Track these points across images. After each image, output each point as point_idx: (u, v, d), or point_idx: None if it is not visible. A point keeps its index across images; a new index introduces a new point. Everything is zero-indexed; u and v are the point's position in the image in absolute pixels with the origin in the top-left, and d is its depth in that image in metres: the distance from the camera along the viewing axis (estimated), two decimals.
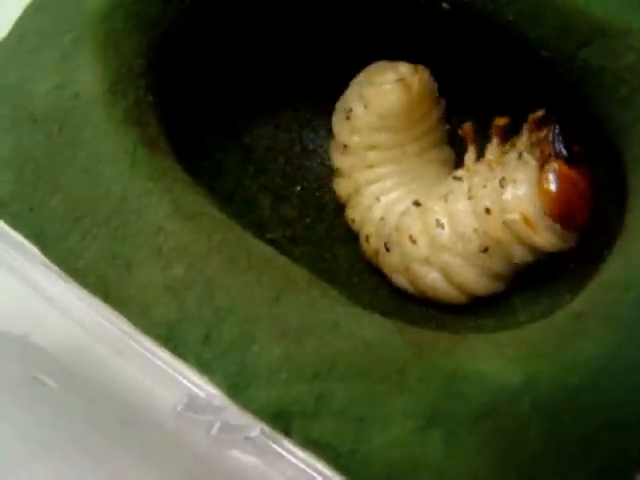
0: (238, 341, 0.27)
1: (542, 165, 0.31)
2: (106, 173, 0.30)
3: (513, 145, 0.33)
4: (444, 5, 0.32)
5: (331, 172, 0.41)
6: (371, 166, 0.37)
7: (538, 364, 0.25)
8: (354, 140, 0.38)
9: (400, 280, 0.36)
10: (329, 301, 0.28)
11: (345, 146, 0.38)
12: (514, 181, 0.32)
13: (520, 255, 0.33)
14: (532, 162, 0.32)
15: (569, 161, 0.30)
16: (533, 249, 0.32)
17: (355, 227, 0.39)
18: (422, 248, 0.34)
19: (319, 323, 0.27)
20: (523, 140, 0.33)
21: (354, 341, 0.27)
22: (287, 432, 0.27)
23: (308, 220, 0.41)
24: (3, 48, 0.34)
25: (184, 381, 0.35)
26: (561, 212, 0.31)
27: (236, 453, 0.36)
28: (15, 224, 0.31)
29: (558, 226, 0.31)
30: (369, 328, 0.27)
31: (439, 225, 0.34)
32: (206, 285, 0.28)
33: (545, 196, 0.31)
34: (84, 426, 0.35)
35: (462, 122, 0.36)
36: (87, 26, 0.32)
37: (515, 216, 0.31)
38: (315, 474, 0.33)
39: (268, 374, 0.27)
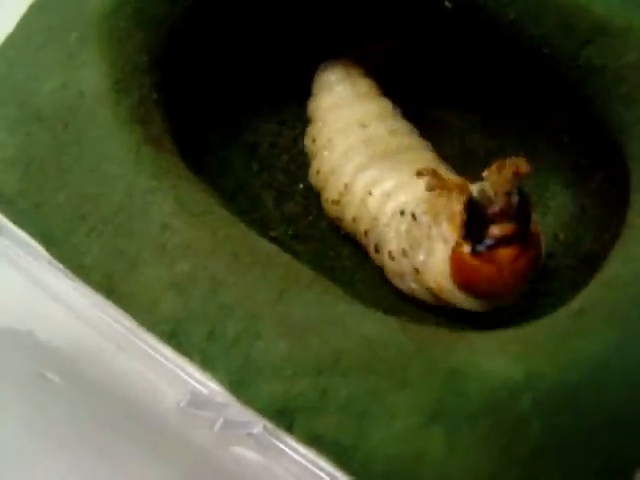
0: (242, 337, 0.27)
1: (455, 244, 0.31)
2: (111, 171, 0.30)
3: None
4: (446, 4, 0.32)
5: None
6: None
7: (539, 361, 0.26)
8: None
9: (396, 282, 0.36)
10: (332, 298, 0.28)
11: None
12: (432, 250, 0.32)
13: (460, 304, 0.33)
14: (451, 236, 0.31)
15: (474, 249, 0.30)
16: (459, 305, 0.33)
17: (352, 226, 0.39)
18: (397, 266, 0.35)
19: (322, 320, 0.27)
20: (455, 218, 0.31)
21: (357, 338, 0.27)
22: (290, 428, 0.27)
23: (311, 217, 0.41)
24: (8, 47, 0.34)
25: (187, 378, 0.36)
26: (466, 288, 0.31)
27: (238, 449, 0.36)
28: (21, 222, 0.31)
29: (470, 295, 0.32)
30: (372, 325, 0.27)
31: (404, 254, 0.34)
32: (210, 282, 0.28)
33: (452, 270, 0.31)
34: (88, 421, 0.35)
35: (461, 121, 0.36)
36: (92, 24, 0.32)
37: (433, 284, 0.32)
38: (317, 470, 0.33)
39: (272, 370, 0.27)
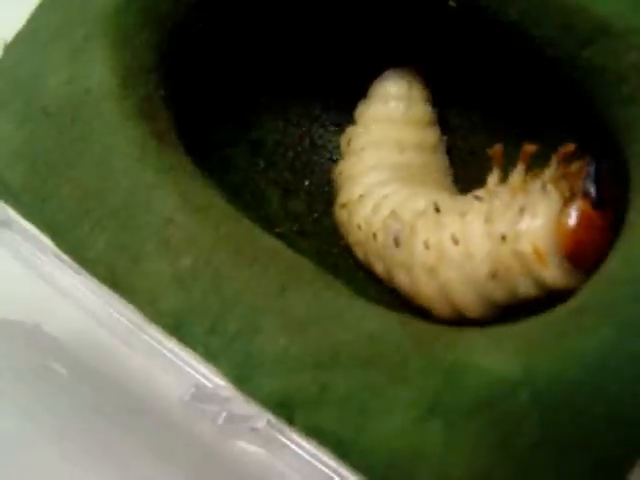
0: (244, 331, 0.28)
1: (566, 201, 0.30)
2: (116, 166, 0.30)
3: (538, 174, 0.32)
4: (450, 3, 0.32)
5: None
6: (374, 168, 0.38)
7: (537, 357, 0.26)
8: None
9: (400, 277, 0.36)
10: (333, 293, 0.29)
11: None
12: (533, 212, 0.31)
13: (525, 288, 0.31)
14: (555, 196, 0.30)
15: (596, 203, 0.29)
16: (539, 284, 0.31)
17: (360, 234, 0.38)
18: (431, 257, 0.34)
19: (323, 314, 0.28)
20: (550, 171, 0.31)
21: (357, 332, 0.27)
22: (291, 420, 0.27)
23: (316, 215, 0.41)
24: (17, 42, 0.34)
25: (191, 371, 0.36)
26: (575, 251, 0.30)
27: (242, 443, 0.37)
28: (27, 215, 0.32)
29: (569, 265, 0.30)
30: (372, 320, 0.27)
31: (454, 240, 0.33)
32: (213, 276, 0.28)
33: (562, 232, 0.30)
34: (92, 414, 0.35)
35: (464, 121, 0.36)
36: (99, 21, 0.33)
37: (527, 247, 0.30)
38: (320, 465, 0.33)
39: (273, 363, 0.27)
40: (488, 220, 0.32)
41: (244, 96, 0.41)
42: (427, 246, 0.34)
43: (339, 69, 0.42)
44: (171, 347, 0.36)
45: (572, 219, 0.29)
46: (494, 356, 0.26)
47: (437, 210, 0.34)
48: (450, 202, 0.35)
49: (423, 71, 0.39)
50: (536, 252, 0.30)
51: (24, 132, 0.32)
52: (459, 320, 0.34)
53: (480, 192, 0.34)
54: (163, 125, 0.32)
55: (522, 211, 0.31)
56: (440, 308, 0.34)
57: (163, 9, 0.33)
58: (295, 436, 0.33)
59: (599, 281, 0.28)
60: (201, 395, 0.35)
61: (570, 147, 0.31)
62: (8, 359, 0.36)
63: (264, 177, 0.42)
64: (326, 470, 0.33)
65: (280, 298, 0.28)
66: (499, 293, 0.32)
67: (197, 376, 0.36)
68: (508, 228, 0.31)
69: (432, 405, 0.26)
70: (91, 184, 0.30)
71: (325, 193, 0.42)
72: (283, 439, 0.34)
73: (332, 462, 0.33)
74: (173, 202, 0.30)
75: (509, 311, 0.33)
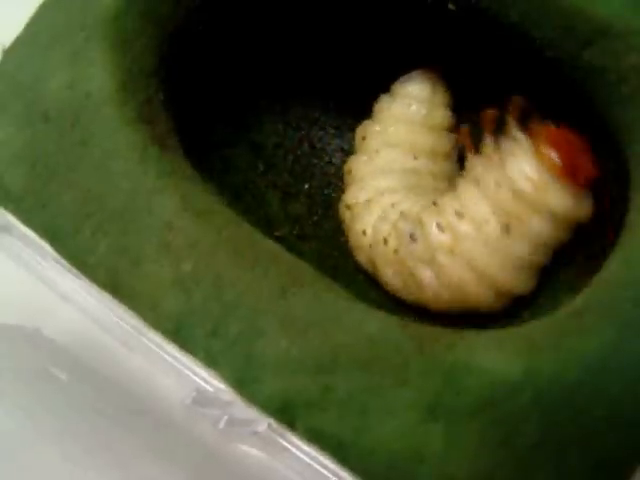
0: (244, 335, 0.28)
1: (533, 136, 0.32)
2: (116, 170, 0.30)
3: (504, 133, 0.34)
4: (450, 6, 0.32)
5: (338, 170, 0.42)
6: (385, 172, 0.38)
7: (538, 358, 0.26)
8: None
9: (426, 274, 0.35)
10: (334, 296, 0.29)
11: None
12: (513, 157, 0.32)
13: (539, 227, 0.32)
14: (524, 136, 0.33)
15: (555, 123, 0.32)
16: (551, 216, 0.32)
17: (365, 239, 0.38)
18: (448, 238, 0.34)
19: (324, 317, 0.28)
20: (511, 126, 0.33)
21: (357, 335, 0.27)
22: (292, 424, 0.27)
23: (316, 218, 0.41)
24: (17, 46, 0.34)
25: (192, 375, 0.36)
26: (564, 166, 0.31)
27: (243, 447, 0.37)
28: (27, 220, 0.32)
29: (566, 183, 0.31)
30: (372, 323, 0.28)
31: (459, 216, 0.34)
32: (214, 280, 0.28)
33: (544, 157, 0.31)
34: (93, 418, 0.35)
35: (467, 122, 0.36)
36: (98, 25, 0.33)
37: (523, 184, 0.32)
38: (321, 468, 0.33)
39: (274, 367, 0.27)
40: (477, 184, 0.34)
41: (244, 98, 0.41)
42: (441, 228, 0.34)
43: (338, 72, 0.42)
44: (172, 351, 0.36)
45: (546, 142, 0.32)
46: (495, 357, 0.26)
47: (435, 204, 0.35)
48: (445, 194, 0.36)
49: (443, 73, 0.39)
50: (532, 184, 0.32)
51: (25, 136, 0.32)
52: (502, 301, 0.34)
53: (462, 172, 0.36)
54: (163, 129, 0.32)
55: (503, 162, 0.33)
56: (475, 291, 0.34)
57: (163, 12, 0.33)
58: (296, 439, 0.33)
59: (599, 282, 0.28)
60: (202, 399, 0.35)
61: (518, 100, 0.34)
62: (9, 362, 0.36)
63: (264, 180, 0.42)
64: (327, 473, 0.33)
65: (281, 301, 0.28)
66: (521, 246, 0.33)
67: (198, 380, 0.36)
68: (498, 178, 0.33)
69: (433, 406, 0.26)
70: (92, 188, 0.30)
71: (325, 196, 0.42)
72: (284, 443, 0.34)
73: (333, 465, 0.33)
74: (174, 206, 0.30)
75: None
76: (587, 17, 0.29)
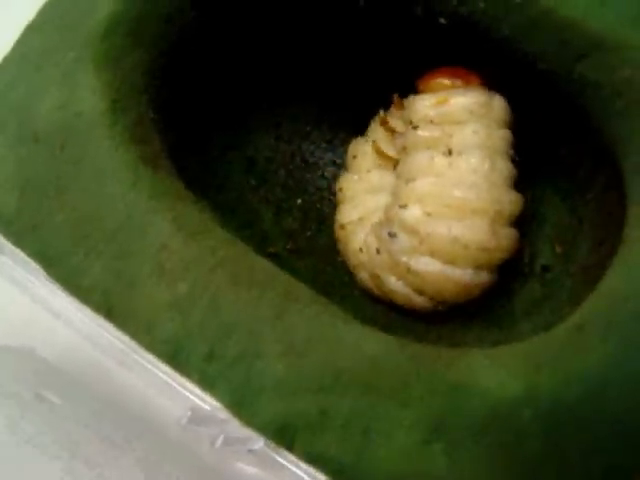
0: (242, 357, 0.27)
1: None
2: (109, 191, 0.30)
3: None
4: (441, 20, 0.32)
5: (331, 184, 0.41)
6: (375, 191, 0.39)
7: (538, 376, 0.26)
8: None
9: (422, 263, 0.35)
10: (331, 317, 0.28)
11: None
12: (410, 111, 0.36)
13: (472, 131, 0.34)
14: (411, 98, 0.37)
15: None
16: (471, 116, 0.34)
17: (362, 256, 0.38)
18: (416, 208, 0.35)
19: (322, 338, 0.27)
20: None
21: (357, 356, 0.27)
22: (291, 446, 0.27)
23: (309, 233, 0.41)
24: (6, 67, 0.34)
25: (188, 394, 0.36)
26: (449, 78, 0.35)
27: (240, 465, 0.36)
28: (19, 242, 0.31)
29: (462, 88, 0.35)
30: (371, 343, 0.27)
31: (411, 180, 0.35)
32: (210, 302, 0.28)
33: (431, 85, 0.36)
34: (88, 438, 0.35)
35: None
36: (88, 44, 0.33)
37: (428, 106, 0.35)
38: None
39: (272, 389, 0.27)
40: (409, 151, 0.36)
41: (235, 112, 0.41)
42: (405, 206, 0.35)
43: (329, 85, 0.41)
44: (168, 370, 0.35)
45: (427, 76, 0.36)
46: (495, 376, 0.26)
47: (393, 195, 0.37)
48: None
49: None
50: (436, 101, 0.35)
51: (15, 157, 0.32)
52: (474, 291, 0.35)
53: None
54: (155, 148, 0.32)
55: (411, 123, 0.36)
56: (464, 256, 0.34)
57: (153, 31, 0.33)
58: (293, 457, 0.33)
59: (598, 297, 0.28)
60: (198, 417, 0.35)
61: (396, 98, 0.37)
62: (1, 383, 0.36)
63: (257, 195, 0.41)
64: None
65: (278, 323, 0.28)
66: (472, 161, 0.34)
67: (194, 398, 0.35)
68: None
69: (434, 427, 0.26)
70: (84, 210, 0.30)
71: (318, 210, 0.42)
72: (281, 460, 0.34)
73: None
74: (167, 227, 0.29)
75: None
76: (581, 30, 0.29)
